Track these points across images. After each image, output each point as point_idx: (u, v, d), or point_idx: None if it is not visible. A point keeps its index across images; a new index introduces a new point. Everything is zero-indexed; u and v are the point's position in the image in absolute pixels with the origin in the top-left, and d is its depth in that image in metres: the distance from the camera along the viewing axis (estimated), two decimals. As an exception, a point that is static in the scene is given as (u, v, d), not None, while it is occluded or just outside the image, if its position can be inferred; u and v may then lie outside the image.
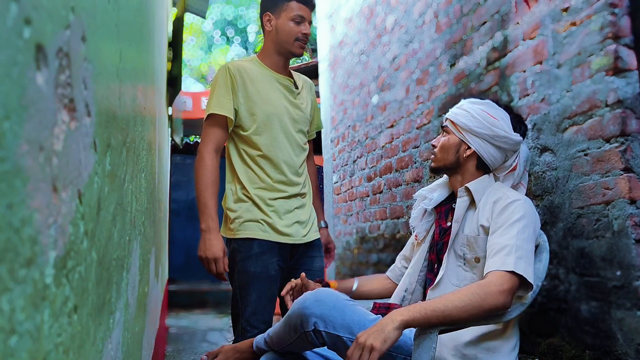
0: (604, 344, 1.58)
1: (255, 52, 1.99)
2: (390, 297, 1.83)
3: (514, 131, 1.56)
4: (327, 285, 1.71)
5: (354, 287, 1.79)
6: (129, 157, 0.87)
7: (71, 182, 0.42)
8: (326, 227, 2.13)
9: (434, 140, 1.68)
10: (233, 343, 1.87)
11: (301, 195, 1.93)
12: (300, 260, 1.93)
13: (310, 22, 1.92)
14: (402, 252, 1.85)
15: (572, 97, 1.73)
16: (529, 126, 1.94)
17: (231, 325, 1.91)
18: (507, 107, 1.64)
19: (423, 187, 1.83)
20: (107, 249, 0.63)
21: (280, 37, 1.89)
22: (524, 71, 1.99)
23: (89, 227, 0.50)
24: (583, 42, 1.69)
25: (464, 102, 1.63)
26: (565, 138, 1.76)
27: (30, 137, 0.32)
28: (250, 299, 1.80)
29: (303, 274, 1.67)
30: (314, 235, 1.95)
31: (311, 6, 1.92)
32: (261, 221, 1.81)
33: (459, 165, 1.61)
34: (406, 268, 1.80)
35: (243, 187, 1.84)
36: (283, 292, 1.64)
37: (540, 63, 1.90)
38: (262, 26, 1.96)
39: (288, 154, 1.88)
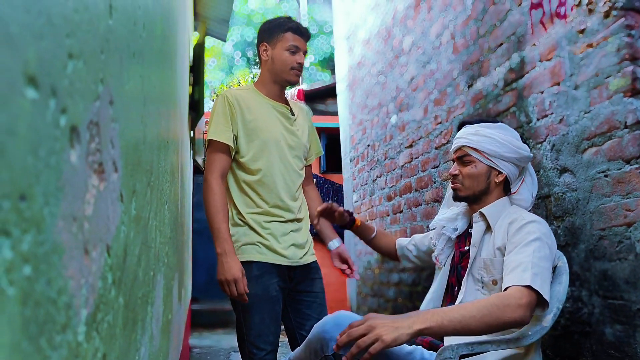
0: (630, 368, 1.55)
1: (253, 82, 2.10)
2: (391, 259, 2.05)
3: None
4: (353, 219, 2.00)
5: (372, 236, 2.04)
6: (153, 195, 0.91)
7: (100, 239, 0.45)
8: (341, 244, 2.13)
9: (452, 169, 1.67)
10: None
11: (297, 220, 1.97)
12: (301, 283, 1.96)
13: (305, 52, 1.99)
14: (416, 239, 1.96)
15: (591, 118, 1.73)
16: (548, 147, 1.94)
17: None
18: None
19: (446, 205, 1.84)
20: (133, 290, 0.66)
21: (276, 66, 1.95)
22: (542, 92, 2.00)
23: (116, 276, 0.53)
24: (600, 64, 1.69)
25: (477, 128, 1.62)
26: (584, 159, 1.76)
27: (65, 213, 0.35)
28: (253, 321, 1.82)
29: (333, 204, 1.90)
30: (310, 258, 2.00)
31: (306, 37, 1.99)
32: (258, 244, 1.86)
33: (488, 192, 1.61)
34: (411, 253, 1.95)
35: (239, 212, 1.89)
36: (316, 214, 1.94)
37: (558, 84, 1.90)
38: (259, 56, 2.03)
39: (284, 179, 1.93)
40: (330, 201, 7.03)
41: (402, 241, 1.99)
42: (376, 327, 1.19)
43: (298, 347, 1.53)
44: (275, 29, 1.96)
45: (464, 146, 1.63)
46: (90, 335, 0.42)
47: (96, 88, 0.44)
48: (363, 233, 2.03)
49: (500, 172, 1.59)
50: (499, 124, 1.64)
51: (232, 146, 1.88)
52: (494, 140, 1.58)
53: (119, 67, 0.54)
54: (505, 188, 1.63)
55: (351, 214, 1.99)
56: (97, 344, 0.44)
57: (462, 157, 1.63)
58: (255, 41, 2.09)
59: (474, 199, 1.63)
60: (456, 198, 1.67)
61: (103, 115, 0.46)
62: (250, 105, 1.92)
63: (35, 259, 0.29)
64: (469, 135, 1.62)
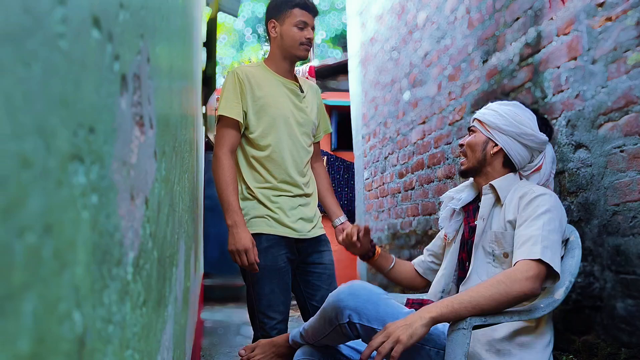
0: (640, 341, 1.57)
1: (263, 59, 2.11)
2: (416, 287, 1.90)
3: (540, 131, 1.59)
4: (374, 249, 1.84)
5: (391, 266, 1.87)
6: (177, 160, 0.93)
7: (141, 189, 0.47)
8: (346, 220, 2.15)
9: (462, 139, 1.71)
10: (253, 338, 1.94)
11: (305, 195, 2.01)
12: (310, 255, 2.01)
13: (313, 28, 2.00)
14: (429, 247, 1.90)
15: (608, 93, 1.72)
16: (563, 122, 1.93)
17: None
18: (534, 110, 1.66)
19: (455, 183, 1.86)
20: (163, 247, 0.68)
21: (285, 42, 1.97)
22: (558, 67, 1.98)
23: (152, 229, 0.55)
24: (619, 38, 1.67)
25: (491, 104, 1.68)
26: (600, 134, 1.75)
27: (118, 155, 0.37)
28: (263, 291, 1.87)
29: (367, 225, 1.80)
30: (319, 231, 2.03)
31: (313, 12, 2.00)
32: (267, 217, 1.90)
33: (485, 163, 1.63)
34: (433, 263, 1.87)
35: (248, 187, 1.93)
36: (348, 238, 1.77)
37: (575, 59, 1.89)
38: (268, 33, 2.04)
39: (292, 155, 1.96)
40: (347, 189, 6.97)
41: (419, 263, 1.90)
42: (393, 331, 1.23)
43: (312, 317, 1.56)
44: (283, 6, 1.98)
45: (474, 119, 1.69)
46: (135, 277, 0.45)
47: (138, 42, 0.45)
48: (382, 263, 1.88)
49: (496, 144, 1.61)
50: (515, 102, 1.67)
51: (242, 122, 1.91)
52: (496, 112, 1.62)
53: (152, 27, 0.56)
54: (507, 164, 1.62)
55: (374, 245, 1.87)
56: (139, 287, 0.47)
57: (470, 129, 1.70)
58: (264, 14, 2.11)
59: (475, 171, 1.66)
60: (460, 173, 1.71)
61: (143, 70, 0.48)
62: (260, 81, 1.95)
63: (99, 190, 0.31)
64: (482, 109, 1.68)
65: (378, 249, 1.86)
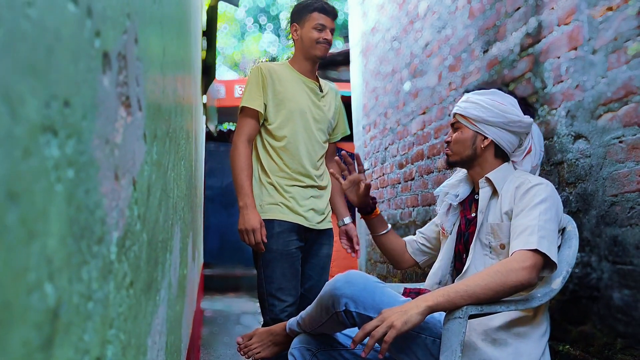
0: (636, 332, 1.57)
1: (288, 56, 2.28)
2: (401, 264, 1.93)
3: (524, 114, 1.59)
4: (375, 206, 1.87)
5: (385, 231, 1.89)
6: (171, 146, 0.93)
7: (128, 170, 0.47)
8: (351, 222, 2.25)
9: (447, 136, 1.70)
10: (263, 324, 1.96)
11: (318, 187, 2.11)
12: (312, 246, 2.11)
13: (332, 30, 2.15)
14: (422, 230, 1.92)
15: (607, 84, 1.71)
16: (562, 113, 1.93)
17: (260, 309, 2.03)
18: (511, 92, 1.67)
19: (454, 174, 1.85)
20: (155, 231, 0.68)
21: (305, 43, 2.12)
22: (559, 57, 1.97)
23: (141, 211, 0.55)
24: (619, 28, 1.66)
25: (469, 96, 1.66)
26: (599, 125, 1.75)
27: (100, 132, 0.37)
28: (275, 275, 1.96)
29: (358, 155, 1.90)
30: (327, 224, 2.15)
31: (332, 15, 2.15)
32: (280, 204, 2.01)
33: (476, 157, 1.63)
34: (424, 245, 1.89)
35: (264, 174, 2.05)
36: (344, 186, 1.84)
37: (575, 49, 1.87)
38: (292, 37, 2.19)
39: (307, 148, 2.08)
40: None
41: (409, 238, 1.93)
42: (387, 317, 1.23)
43: (309, 305, 1.56)
44: (303, 10, 2.13)
45: (455, 114, 1.67)
46: (120, 258, 0.45)
47: (124, 21, 0.45)
48: (377, 225, 1.89)
49: (486, 137, 1.60)
50: (493, 90, 1.65)
51: (262, 113, 2.04)
52: (478, 105, 1.60)
53: (141, 8, 0.55)
54: (498, 154, 1.62)
55: (375, 202, 1.90)
56: (125, 268, 0.47)
57: (454, 124, 1.68)
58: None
59: (463, 164, 1.66)
60: (448, 163, 1.71)
61: (129, 50, 0.48)
62: (282, 78, 2.10)
63: (77, 165, 0.31)
64: (461, 103, 1.66)
65: (378, 210, 1.90)
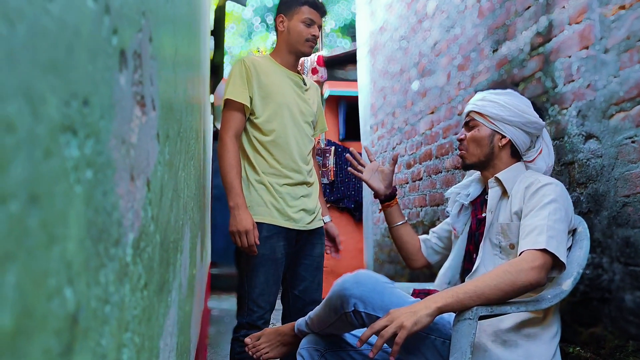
0: (649, 334, 1.56)
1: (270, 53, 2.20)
2: (413, 262, 1.91)
3: None
4: (394, 195, 1.89)
5: (401, 222, 1.89)
6: (182, 146, 0.92)
7: (142, 171, 0.47)
8: (330, 221, 2.26)
9: (460, 134, 1.68)
10: (236, 326, 1.95)
11: (307, 183, 2.05)
12: (303, 247, 2.06)
13: (320, 26, 2.08)
14: (435, 229, 1.90)
15: (620, 83, 1.69)
16: (573, 113, 1.91)
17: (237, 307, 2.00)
18: (521, 94, 1.67)
19: (464, 174, 1.84)
20: (167, 232, 0.68)
21: (291, 37, 2.05)
22: (569, 56, 1.95)
23: (154, 212, 0.55)
24: (632, 26, 1.64)
25: (485, 94, 1.64)
26: (611, 125, 1.73)
27: (117, 132, 0.36)
28: (258, 280, 1.90)
29: (367, 147, 1.90)
30: (318, 223, 2.10)
31: (322, 12, 2.08)
32: (270, 206, 1.94)
33: (493, 156, 1.61)
34: (436, 245, 1.88)
35: (254, 172, 1.97)
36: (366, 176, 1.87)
37: (587, 48, 1.86)
38: (276, 27, 2.12)
39: (297, 141, 2.01)
40: (354, 179, 6.99)
41: (423, 236, 1.92)
42: (396, 317, 1.22)
43: (317, 306, 1.56)
44: (293, 2, 2.05)
45: (470, 112, 1.65)
46: (135, 259, 0.44)
47: (139, 19, 0.44)
48: (394, 215, 1.89)
49: (503, 136, 1.59)
50: (508, 90, 1.64)
51: (248, 106, 1.95)
52: (497, 104, 1.59)
53: (155, 6, 0.55)
54: (514, 154, 1.61)
55: (395, 191, 1.90)
56: (140, 270, 0.46)
57: (469, 122, 1.66)
58: (273, 7, 2.22)
59: (481, 165, 1.64)
60: (464, 166, 1.69)
61: (144, 49, 0.47)
62: (267, 71, 2.02)
63: (95, 166, 0.31)
64: (475, 101, 1.64)
65: (397, 200, 1.89)
